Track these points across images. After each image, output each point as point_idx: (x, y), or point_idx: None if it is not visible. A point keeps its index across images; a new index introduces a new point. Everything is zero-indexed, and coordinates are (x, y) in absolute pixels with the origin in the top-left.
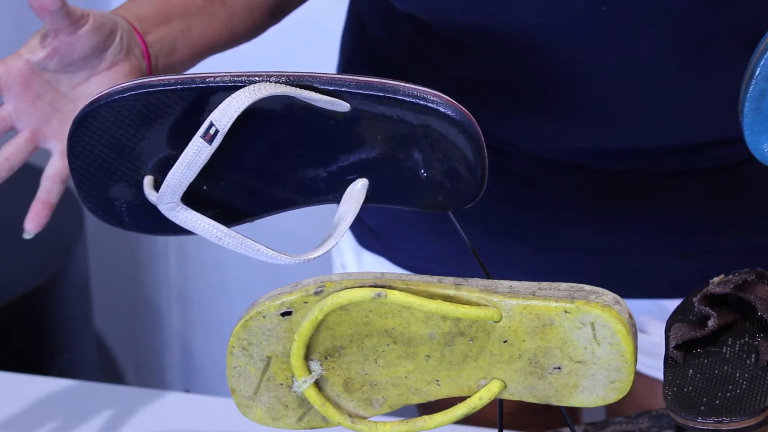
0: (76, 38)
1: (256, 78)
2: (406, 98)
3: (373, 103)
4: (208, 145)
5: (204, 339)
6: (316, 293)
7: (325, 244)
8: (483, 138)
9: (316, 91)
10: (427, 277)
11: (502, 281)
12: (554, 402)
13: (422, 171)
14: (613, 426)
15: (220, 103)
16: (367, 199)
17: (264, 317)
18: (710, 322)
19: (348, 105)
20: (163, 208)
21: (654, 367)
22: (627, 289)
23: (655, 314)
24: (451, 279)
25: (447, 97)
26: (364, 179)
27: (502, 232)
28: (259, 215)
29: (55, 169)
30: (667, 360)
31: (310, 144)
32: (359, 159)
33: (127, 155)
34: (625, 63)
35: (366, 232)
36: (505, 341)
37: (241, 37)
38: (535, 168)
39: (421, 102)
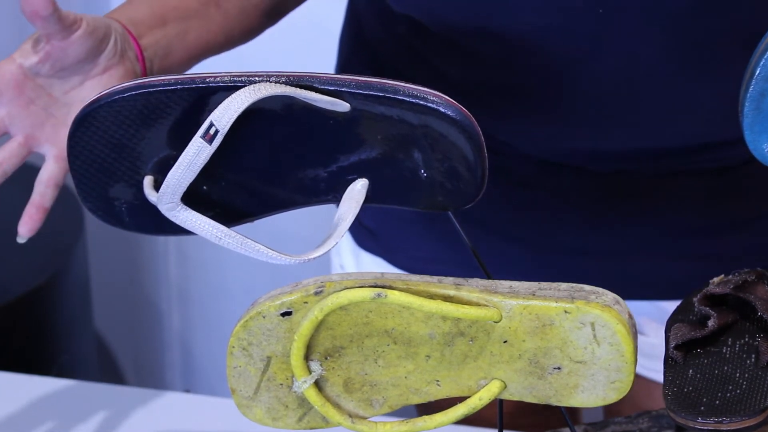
0: (68, 43)
1: (256, 78)
2: (406, 98)
3: (373, 103)
4: (208, 145)
5: (204, 339)
6: (316, 293)
7: (325, 244)
8: (483, 138)
9: (316, 91)
10: (427, 278)
11: (502, 281)
12: (554, 402)
13: (422, 171)
14: (613, 426)
15: (220, 103)
16: (367, 199)
17: (264, 317)
18: (710, 322)
19: (348, 105)
20: (163, 208)
21: (652, 369)
22: (626, 291)
23: (653, 316)
24: (451, 279)
25: (447, 97)
26: (364, 179)
27: (502, 232)
28: (259, 215)
29: (49, 174)
30: (667, 360)
31: (310, 144)
32: (359, 159)
33: (127, 155)
34: (625, 63)
35: (364, 232)
36: (505, 341)
37: (237, 39)
38: (535, 169)
39: (421, 102)
